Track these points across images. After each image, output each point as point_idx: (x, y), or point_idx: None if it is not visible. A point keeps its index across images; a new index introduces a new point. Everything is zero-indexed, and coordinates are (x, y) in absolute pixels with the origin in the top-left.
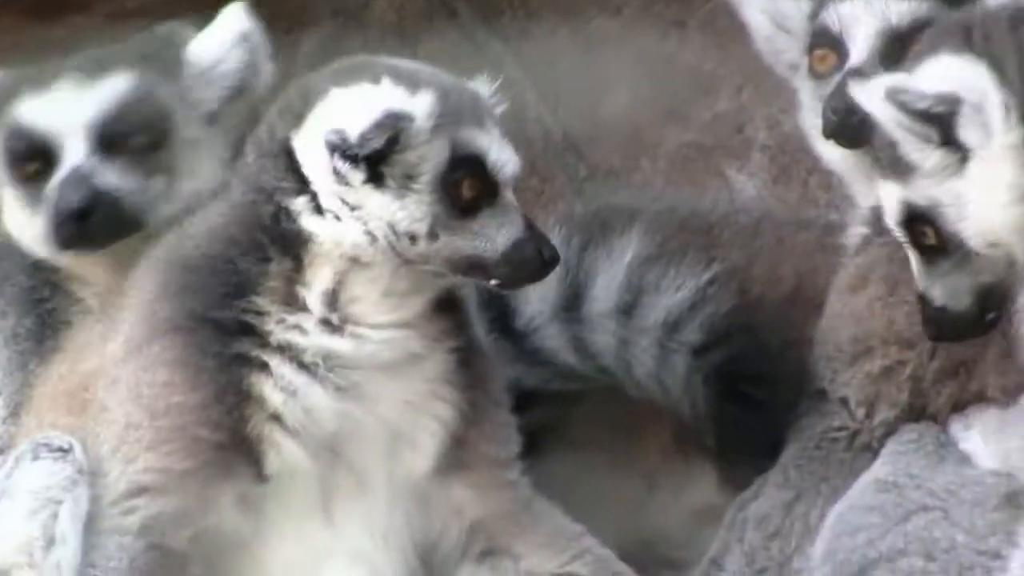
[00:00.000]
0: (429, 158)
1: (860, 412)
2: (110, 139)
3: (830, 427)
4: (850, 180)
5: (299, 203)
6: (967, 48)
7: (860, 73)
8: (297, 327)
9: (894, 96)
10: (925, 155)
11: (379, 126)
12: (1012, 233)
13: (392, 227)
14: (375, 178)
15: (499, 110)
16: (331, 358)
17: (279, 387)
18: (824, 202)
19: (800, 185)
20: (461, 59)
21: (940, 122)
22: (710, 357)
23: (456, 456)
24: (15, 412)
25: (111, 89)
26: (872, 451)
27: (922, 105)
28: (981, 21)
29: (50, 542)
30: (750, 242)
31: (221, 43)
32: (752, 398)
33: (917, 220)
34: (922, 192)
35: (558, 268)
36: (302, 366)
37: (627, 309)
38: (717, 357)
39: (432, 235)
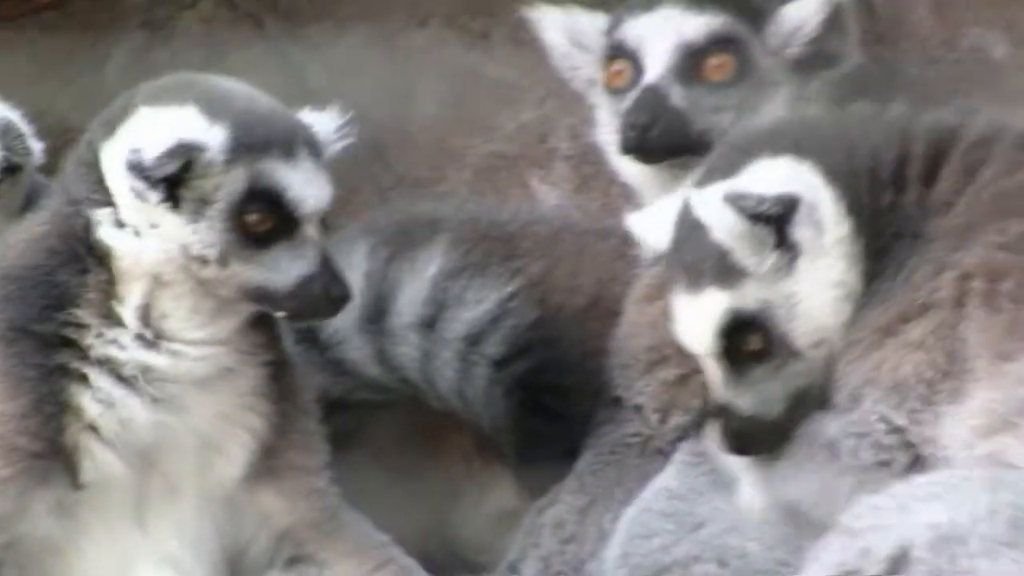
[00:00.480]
0: (224, 187)
1: (655, 418)
2: None
3: (625, 434)
4: (646, 194)
5: (102, 214)
6: (796, 150)
7: (656, 89)
8: (115, 341)
9: (734, 202)
10: (759, 259)
11: (171, 153)
12: (836, 331)
13: (184, 249)
14: (172, 200)
15: (345, 142)
16: (148, 372)
17: (97, 399)
18: (625, 212)
19: (602, 195)
20: (268, 71)
21: (777, 223)
22: (511, 370)
23: (266, 465)
24: None
25: None
26: (664, 455)
27: (762, 208)
28: (804, 124)
29: None
30: (550, 252)
31: None
32: (551, 409)
33: (744, 327)
34: (752, 296)
35: (362, 281)
36: (120, 379)
37: (430, 322)
38: (518, 369)
39: (222, 262)
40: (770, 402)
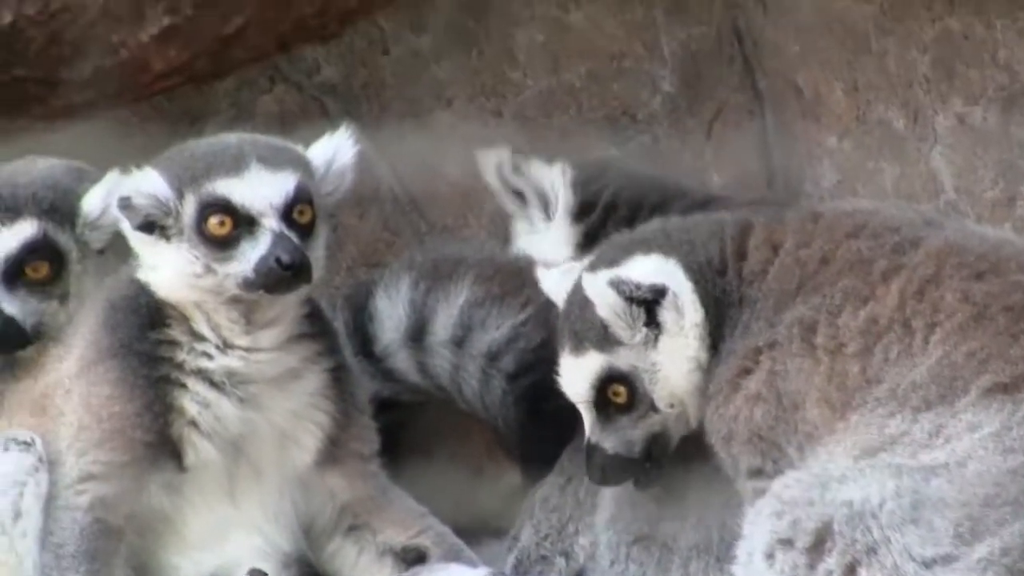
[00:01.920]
0: (184, 213)
1: None
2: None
3: None
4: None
5: (137, 263)
6: (664, 249)
7: None
8: (204, 353)
9: (616, 285)
10: (631, 332)
11: (123, 207)
12: (689, 395)
13: (182, 271)
14: (162, 236)
15: (343, 160)
16: (232, 375)
17: (195, 401)
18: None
19: None
20: None
21: (647, 306)
22: (520, 383)
23: (331, 452)
24: None
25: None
26: None
27: (638, 293)
28: (667, 228)
29: (17, 515)
30: None
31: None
32: (550, 416)
33: (614, 381)
34: (624, 360)
35: (407, 306)
36: (212, 384)
37: (459, 341)
38: (526, 383)
39: (209, 270)
40: (630, 444)
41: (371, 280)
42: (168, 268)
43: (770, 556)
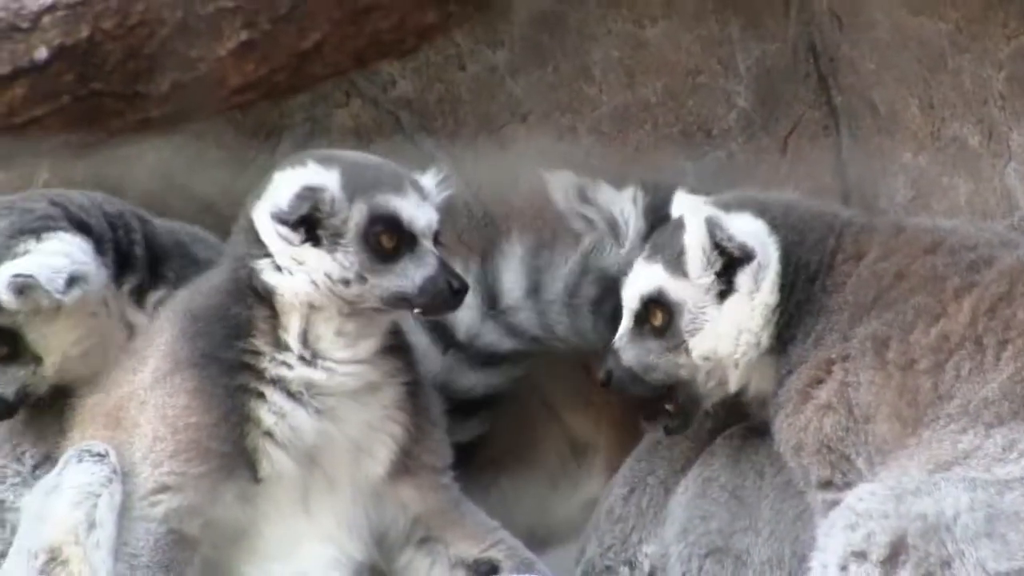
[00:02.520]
0: (351, 219)
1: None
2: None
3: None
4: None
5: (263, 264)
6: (773, 224)
7: None
8: (284, 363)
9: (713, 224)
10: (700, 273)
11: (299, 197)
12: (732, 364)
13: (328, 276)
14: (313, 239)
15: (445, 194)
16: (311, 387)
17: (272, 411)
18: None
19: None
20: (404, 158)
21: (729, 261)
22: (606, 305)
23: (404, 464)
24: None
25: None
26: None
27: (727, 244)
28: (786, 206)
29: (91, 526)
30: None
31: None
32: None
33: (660, 304)
34: (679, 292)
35: (472, 283)
36: (290, 394)
37: (535, 289)
38: (611, 303)
39: (361, 279)
40: (647, 367)
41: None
42: (311, 271)
43: (844, 568)
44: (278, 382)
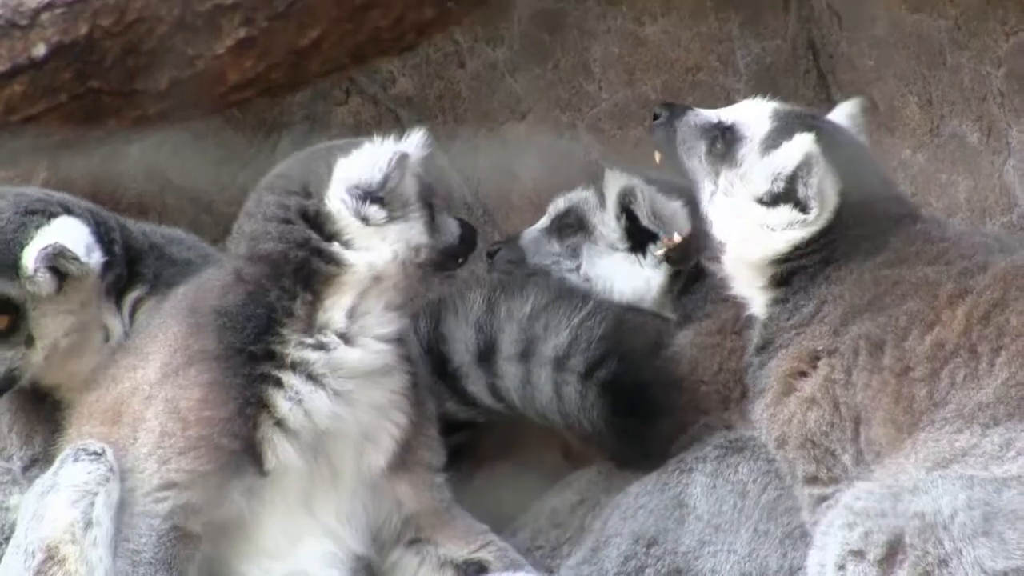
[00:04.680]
0: (413, 186)
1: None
2: None
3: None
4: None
5: (334, 247)
6: (841, 177)
7: None
8: (312, 346)
9: (777, 130)
10: (750, 168)
11: (397, 167)
12: (733, 254)
13: (407, 243)
14: (388, 211)
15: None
16: (338, 368)
17: (288, 397)
18: None
19: None
20: None
21: (792, 177)
22: (595, 377)
23: (402, 459)
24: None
25: None
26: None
27: (782, 158)
28: (826, 124)
29: (88, 524)
30: None
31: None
32: (639, 406)
33: (721, 138)
34: (719, 176)
35: (474, 327)
36: (310, 377)
37: (526, 353)
38: (601, 376)
39: (429, 240)
40: (671, 189)
41: (440, 300)
42: (393, 242)
43: (842, 568)
44: (299, 366)
